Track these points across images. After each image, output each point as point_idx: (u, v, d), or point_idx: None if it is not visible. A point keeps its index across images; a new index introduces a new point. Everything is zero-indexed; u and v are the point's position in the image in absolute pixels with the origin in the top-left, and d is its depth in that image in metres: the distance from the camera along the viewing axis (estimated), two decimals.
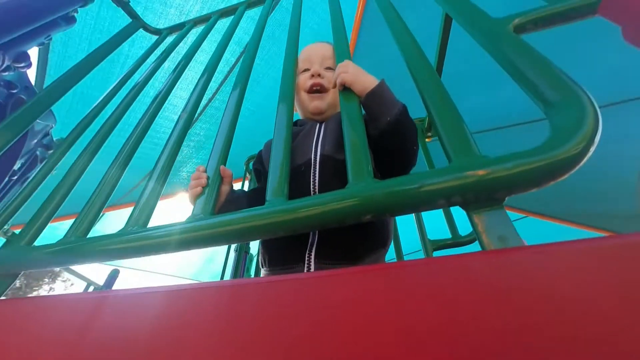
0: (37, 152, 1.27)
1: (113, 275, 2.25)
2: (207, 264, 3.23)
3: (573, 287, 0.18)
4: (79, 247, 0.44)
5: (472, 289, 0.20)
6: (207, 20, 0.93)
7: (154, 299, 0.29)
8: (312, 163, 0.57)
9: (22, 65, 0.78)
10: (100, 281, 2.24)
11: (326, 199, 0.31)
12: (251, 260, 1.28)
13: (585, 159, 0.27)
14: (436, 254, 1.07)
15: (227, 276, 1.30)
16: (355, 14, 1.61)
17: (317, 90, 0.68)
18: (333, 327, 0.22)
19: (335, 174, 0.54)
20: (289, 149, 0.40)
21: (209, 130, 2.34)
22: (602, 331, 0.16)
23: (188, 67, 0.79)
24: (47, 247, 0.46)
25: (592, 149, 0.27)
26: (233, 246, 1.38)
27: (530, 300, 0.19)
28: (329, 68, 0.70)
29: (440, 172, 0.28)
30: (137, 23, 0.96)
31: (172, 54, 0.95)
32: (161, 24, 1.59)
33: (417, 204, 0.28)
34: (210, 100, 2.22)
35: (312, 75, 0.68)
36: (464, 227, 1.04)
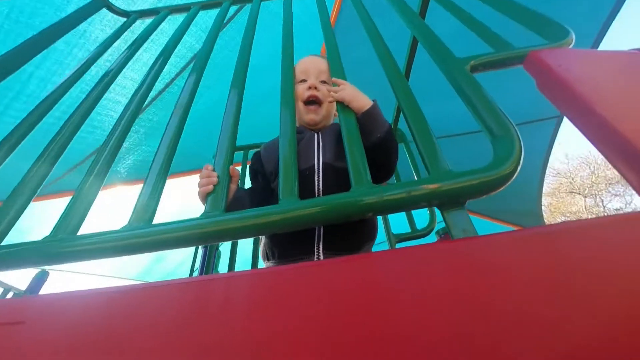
0: None
1: (40, 278, 1.93)
2: (155, 264, 2.98)
3: (509, 260, 0.29)
4: (70, 245, 0.43)
5: (452, 264, 0.29)
6: (185, 10, 0.89)
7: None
8: (316, 169, 0.65)
9: None
10: (22, 285, 1.92)
11: (336, 199, 0.38)
12: (219, 257, 1.27)
13: (515, 175, 0.39)
14: (398, 245, 1.23)
15: (196, 273, 1.27)
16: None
17: (313, 101, 0.75)
18: (348, 306, 0.29)
19: (336, 179, 0.63)
20: (295, 153, 0.46)
21: (163, 117, 2.17)
22: (529, 282, 0.27)
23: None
24: (27, 244, 0.43)
25: (519, 168, 0.40)
26: None
27: (488, 270, 0.29)
28: (323, 82, 0.77)
29: (423, 181, 0.38)
30: (99, 2, 0.87)
31: (128, 34, 0.86)
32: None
33: (406, 205, 0.37)
34: (167, 86, 2.06)
35: (309, 87, 0.75)
36: (419, 222, 1.22)
